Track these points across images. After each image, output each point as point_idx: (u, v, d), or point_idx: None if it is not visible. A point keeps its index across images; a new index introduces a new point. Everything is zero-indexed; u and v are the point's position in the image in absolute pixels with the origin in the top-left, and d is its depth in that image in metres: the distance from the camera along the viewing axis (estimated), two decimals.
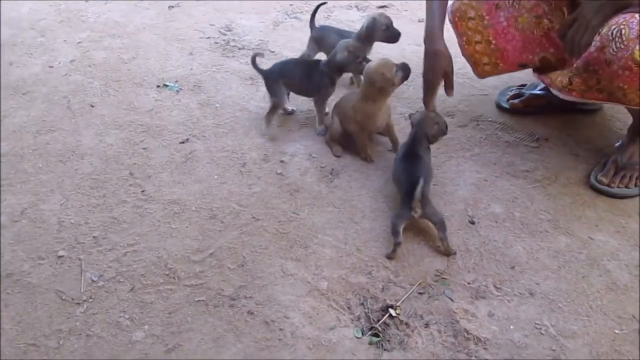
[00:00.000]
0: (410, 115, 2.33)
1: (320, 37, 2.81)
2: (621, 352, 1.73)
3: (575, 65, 2.09)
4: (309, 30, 2.84)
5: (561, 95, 2.18)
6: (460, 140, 2.53)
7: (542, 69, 2.35)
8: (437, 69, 2.28)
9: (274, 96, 2.52)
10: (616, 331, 1.78)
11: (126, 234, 2.11)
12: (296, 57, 2.94)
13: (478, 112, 2.69)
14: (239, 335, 1.78)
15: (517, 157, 2.42)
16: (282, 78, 2.51)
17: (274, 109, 2.53)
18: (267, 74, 2.53)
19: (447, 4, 2.34)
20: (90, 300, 1.89)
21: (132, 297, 1.90)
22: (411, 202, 2.01)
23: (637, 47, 1.87)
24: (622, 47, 1.90)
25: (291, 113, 2.69)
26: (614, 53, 1.92)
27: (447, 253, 2.02)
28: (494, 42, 2.35)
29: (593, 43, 1.99)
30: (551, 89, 2.23)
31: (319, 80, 2.49)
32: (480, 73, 2.46)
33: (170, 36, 3.34)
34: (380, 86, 2.26)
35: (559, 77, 2.17)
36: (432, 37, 2.28)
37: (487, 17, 2.33)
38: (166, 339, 1.77)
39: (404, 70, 2.29)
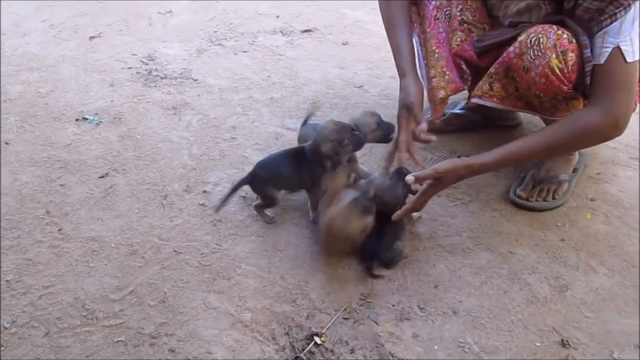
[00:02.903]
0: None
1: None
2: None
3: (494, 70, 2.12)
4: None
5: (481, 102, 2.20)
6: (381, 160, 2.53)
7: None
8: (399, 103, 2.18)
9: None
10: (537, 344, 1.81)
11: (41, 275, 2.03)
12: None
13: None
14: None
15: None
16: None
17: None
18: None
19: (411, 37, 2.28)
20: (2, 349, 1.80)
21: (47, 342, 1.82)
22: None
23: (554, 55, 1.92)
24: (540, 54, 1.94)
25: None
26: (532, 60, 1.97)
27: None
28: (448, 73, 2.27)
29: (512, 49, 2.03)
30: (472, 99, 2.23)
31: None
32: (439, 112, 2.35)
33: (91, 67, 3.26)
34: None
35: (479, 84, 2.20)
36: (400, 73, 2.21)
37: (437, 51, 2.29)
38: None
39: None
